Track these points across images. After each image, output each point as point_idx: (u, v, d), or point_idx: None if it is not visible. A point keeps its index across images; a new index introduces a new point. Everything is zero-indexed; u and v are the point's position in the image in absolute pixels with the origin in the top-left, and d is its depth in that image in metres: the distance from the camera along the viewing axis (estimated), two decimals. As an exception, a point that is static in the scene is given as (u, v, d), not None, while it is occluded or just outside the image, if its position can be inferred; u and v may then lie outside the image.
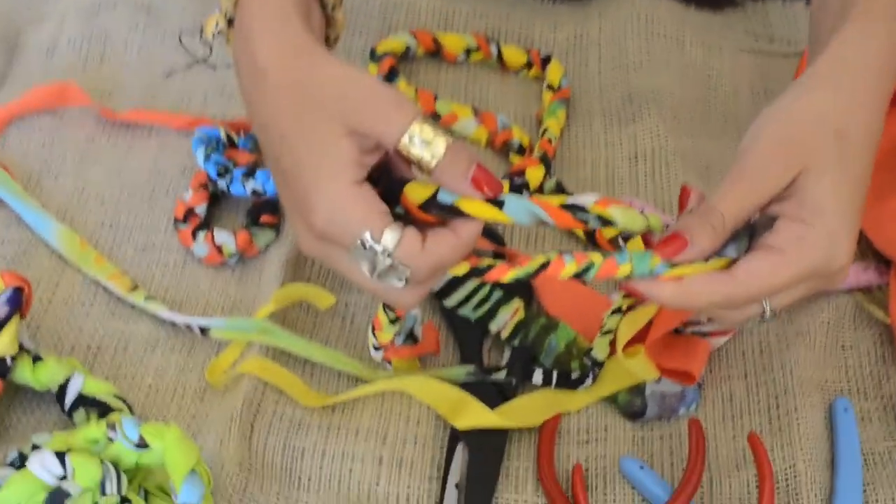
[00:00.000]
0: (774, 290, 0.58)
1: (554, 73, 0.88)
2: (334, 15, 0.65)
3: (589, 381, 0.69)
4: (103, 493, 0.57)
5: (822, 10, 0.66)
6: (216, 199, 0.79)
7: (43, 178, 0.81)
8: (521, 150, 0.83)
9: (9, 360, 0.65)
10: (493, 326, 0.71)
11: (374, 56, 0.88)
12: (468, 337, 0.72)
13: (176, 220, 0.77)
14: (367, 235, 0.52)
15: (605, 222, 0.56)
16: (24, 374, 0.66)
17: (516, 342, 0.71)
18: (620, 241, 0.75)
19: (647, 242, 0.59)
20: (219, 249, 0.75)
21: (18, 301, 0.66)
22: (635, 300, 0.68)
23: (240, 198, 0.79)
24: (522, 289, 0.74)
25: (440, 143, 0.53)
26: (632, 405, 0.69)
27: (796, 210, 0.57)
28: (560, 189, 0.80)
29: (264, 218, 0.77)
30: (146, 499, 0.60)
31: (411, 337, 0.68)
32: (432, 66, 0.90)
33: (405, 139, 0.52)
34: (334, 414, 0.67)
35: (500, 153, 0.84)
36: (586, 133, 0.86)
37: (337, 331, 0.73)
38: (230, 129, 0.80)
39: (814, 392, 0.69)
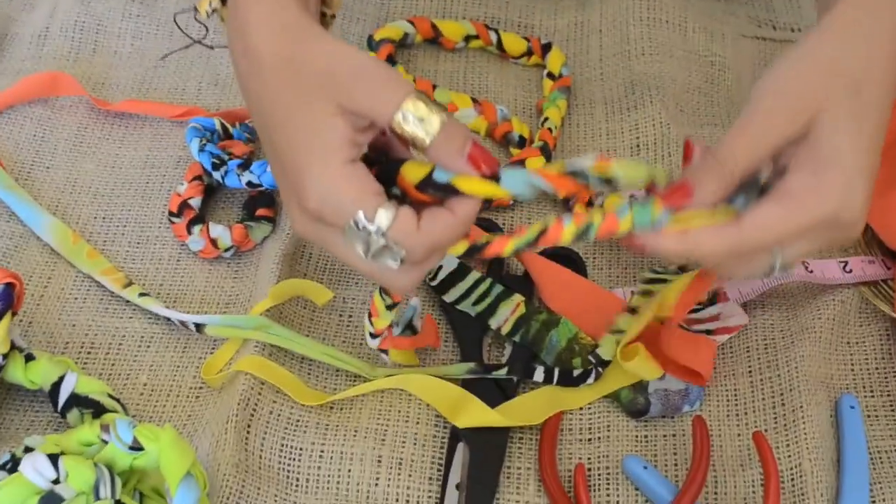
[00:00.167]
0: (784, 238, 0.55)
1: (554, 60, 0.87)
2: None
3: (591, 378, 0.68)
4: (97, 496, 0.56)
5: None
6: (211, 192, 0.78)
7: (34, 170, 0.79)
8: (521, 144, 0.81)
9: (0, 359, 0.63)
10: (494, 322, 0.70)
11: (371, 43, 0.87)
12: (468, 333, 0.71)
13: (170, 214, 0.75)
14: (361, 215, 0.51)
15: (608, 182, 0.53)
16: (16, 373, 0.65)
17: (517, 338, 0.70)
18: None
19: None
20: (214, 243, 0.74)
21: (10, 297, 0.65)
22: (649, 300, 0.67)
23: (235, 190, 0.78)
24: (523, 284, 0.73)
25: (435, 120, 0.51)
26: (635, 403, 0.67)
27: (809, 156, 0.54)
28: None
29: (260, 211, 0.75)
30: (141, 502, 0.59)
31: (410, 328, 0.67)
32: (430, 54, 0.89)
33: (398, 117, 0.51)
34: (332, 413, 0.66)
35: (499, 144, 0.83)
36: (587, 122, 0.85)
37: (335, 326, 0.72)
38: (225, 119, 0.79)
39: (819, 389, 0.68)
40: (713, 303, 0.71)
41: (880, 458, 0.67)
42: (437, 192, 0.53)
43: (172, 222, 0.75)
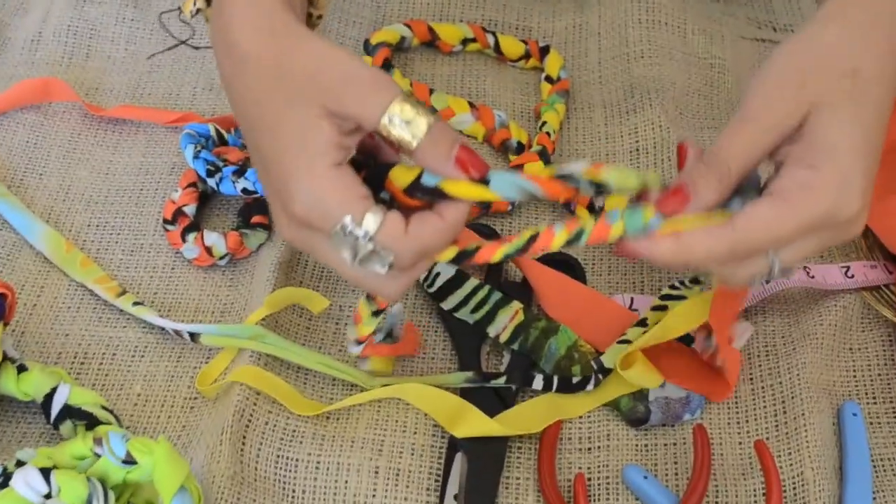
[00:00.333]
0: (780, 239, 0.53)
1: (552, 63, 0.86)
2: None
3: (591, 385, 0.67)
4: (90, 511, 0.56)
5: None
6: (206, 198, 0.77)
7: (27, 177, 0.79)
8: (519, 150, 0.80)
9: (-8, 371, 0.63)
10: (492, 330, 0.69)
11: (367, 47, 0.86)
12: (466, 341, 0.70)
13: (165, 221, 0.74)
14: (348, 220, 0.50)
15: (598, 186, 0.53)
16: (9, 384, 0.64)
17: (516, 346, 0.69)
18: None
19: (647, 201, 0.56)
20: (209, 251, 0.73)
21: (1, 308, 0.64)
22: (663, 315, 0.66)
23: (230, 197, 0.77)
24: (521, 291, 0.72)
25: (421, 123, 0.51)
26: (635, 411, 0.67)
27: (804, 153, 0.53)
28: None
29: (256, 218, 0.75)
30: (135, 516, 0.58)
31: (391, 336, 0.66)
32: (427, 57, 0.88)
33: (385, 119, 0.50)
34: (329, 423, 0.66)
35: (497, 150, 0.82)
36: (586, 126, 0.84)
37: (331, 335, 0.71)
38: (220, 124, 0.78)
39: (821, 396, 0.67)
40: None
41: (883, 465, 0.67)
42: (426, 196, 0.52)
43: (167, 230, 0.74)
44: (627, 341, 0.67)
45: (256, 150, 0.55)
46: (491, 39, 0.87)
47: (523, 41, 0.88)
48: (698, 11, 0.91)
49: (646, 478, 0.64)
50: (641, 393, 0.67)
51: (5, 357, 0.64)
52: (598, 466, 0.65)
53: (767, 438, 0.66)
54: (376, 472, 0.63)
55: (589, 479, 0.65)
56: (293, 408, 0.65)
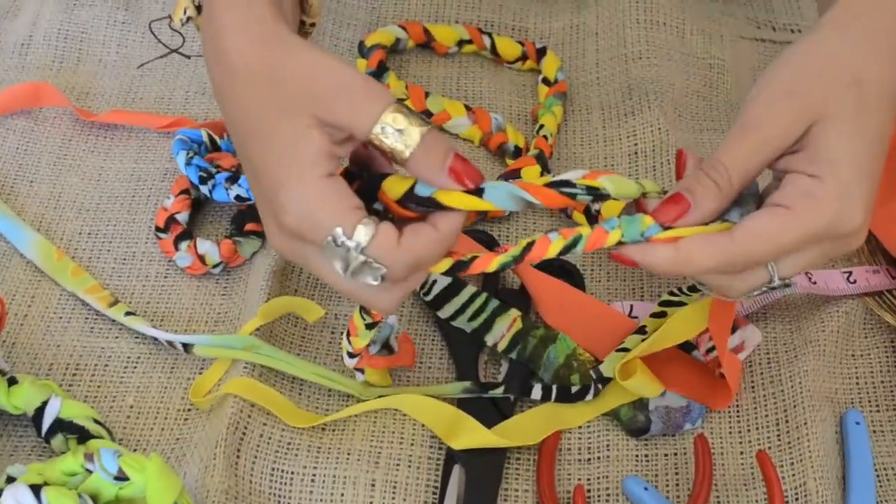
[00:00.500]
0: (780, 251, 0.52)
1: (550, 65, 0.85)
2: (309, 0, 0.62)
3: (590, 395, 0.66)
4: (81, 528, 0.55)
5: None
6: (199, 205, 0.76)
7: (17, 184, 0.77)
8: (516, 154, 0.79)
9: (-18, 384, 0.62)
10: (490, 339, 0.69)
11: (362, 49, 0.85)
12: (464, 350, 0.69)
13: (157, 229, 0.73)
14: (339, 231, 0.49)
15: (595, 194, 0.52)
16: (-1, 397, 0.63)
17: (514, 355, 0.68)
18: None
19: (645, 211, 0.54)
20: (202, 259, 0.72)
21: (-9, 320, 0.63)
22: (662, 322, 0.65)
23: (224, 204, 0.76)
24: (519, 298, 0.71)
25: (414, 133, 0.49)
26: (635, 421, 0.66)
27: (806, 164, 0.52)
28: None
29: (249, 226, 0.73)
30: (127, 533, 0.57)
31: (387, 347, 0.65)
32: (423, 59, 0.87)
33: (377, 129, 0.49)
34: (324, 435, 0.65)
35: (494, 154, 0.81)
36: (584, 128, 0.83)
37: (326, 344, 0.70)
38: (212, 129, 0.77)
39: (824, 405, 0.66)
40: (734, 329, 0.69)
41: (886, 475, 0.66)
42: (420, 207, 0.51)
43: (159, 238, 0.73)
44: (626, 349, 0.66)
45: (247, 160, 0.54)
46: (487, 41, 0.86)
47: (520, 42, 0.87)
48: (697, 11, 0.90)
49: (646, 489, 0.63)
50: (641, 402, 0.66)
51: (-5, 370, 0.63)
52: (598, 477, 0.64)
53: (769, 448, 0.65)
54: (373, 485, 0.62)
55: (589, 491, 0.64)
56: (288, 420, 0.64)
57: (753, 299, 0.70)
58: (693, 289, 0.67)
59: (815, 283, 0.70)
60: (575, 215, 0.76)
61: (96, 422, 0.63)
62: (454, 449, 0.64)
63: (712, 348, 0.66)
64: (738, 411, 0.67)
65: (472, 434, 0.64)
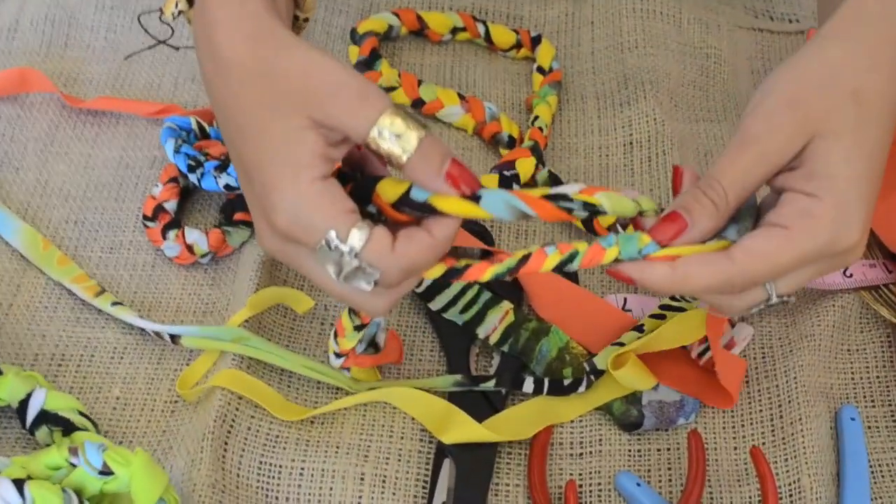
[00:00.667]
0: (778, 272, 0.52)
1: (544, 54, 0.84)
2: None
3: (583, 387, 0.65)
4: (65, 523, 0.54)
5: None
6: (187, 194, 0.75)
7: (3, 172, 0.76)
8: (510, 144, 0.78)
9: (-35, 375, 0.61)
10: (481, 331, 0.68)
11: (354, 36, 0.84)
12: (455, 343, 0.68)
13: (145, 218, 0.72)
14: (333, 235, 0.48)
15: (592, 209, 0.51)
16: (-17, 389, 0.62)
17: (506, 348, 0.67)
18: (619, 229, 0.71)
19: (642, 228, 0.54)
20: (190, 249, 0.71)
21: (-25, 310, 0.62)
22: (660, 323, 0.64)
23: (213, 192, 0.75)
24: (512, 290, 0.70)
25: (412, 137, 0.49)
26: (628, 415, 0.65)
27: (804, 182, 0.51)
28: (554, 179, 0.76)
29: (238, 215, 0.72)
30: (112, 527, 0.57)
31: (373, 345, 0.64)
32: (416, 47, 0.86)
33: (374, 132, 0.49)
34: (313, 428, 0.64)
35: (488, 144, 0.80)
36: (579, 118, 0.82)
37: (316, 336, 0.69)
38: (202, 117, 0.76)
39: (819, 400, 0.66)
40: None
41: (881, 471, 0.65)
42: (415, 211, 0.51)
43: (147, 227, 0.72)
44: (622, 344, 0.65)
45: (238, 157, 0.53)
46: (481, 28, 0.85)
47: (514, 30, 0.86)
48: (694, 0, 0.89)
49: (639, 485, 0.62)
50: (634, 396, 0.65)
51: (-21, 360, 0.62)
52: (590, 473, 0.64)
53: (763, 444, 0.65)
54: (362, 479, 0.62)
55: (580, 486, 0.63)
56: (276, 412, 0.63)
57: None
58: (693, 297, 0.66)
59: (811, 276, 0.70)
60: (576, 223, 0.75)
61: (81, 414, 0.62)
62: (444, 443, 0.63)
63: (703, 352, 0.65)
64: (732, 406, 0.66)
65: (462, 428, 0.63)
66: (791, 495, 0.62)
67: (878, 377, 0.69)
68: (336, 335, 0.61)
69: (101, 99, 0.79)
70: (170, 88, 0.81)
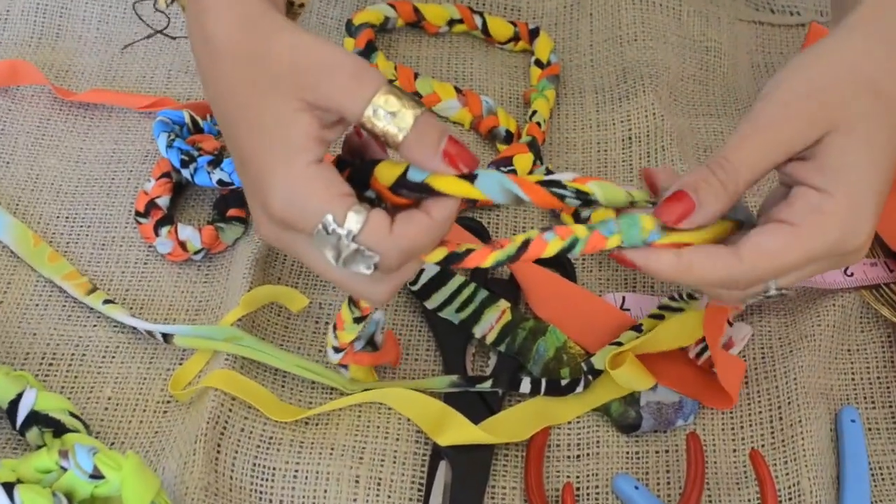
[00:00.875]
0: (784, 270, 0.51)
1: (542, 46, 0.83)
2: None
3: (580, 387, 0.65)
4: (55, 527, 0.53)
5: None
6: (180, 189, 0.74)
7: (-7, 166, 0.75)
8: (507, 139, 0.77)
9: (-46, 375, 0.60)
10: (478, 331, 0.67)
11: (350, 28, 0.82)
12: (451, 342, 0.67)
13: (137, 213, 0.71)
14: (330, 218, 0.48)
15: (585, 197, 0.51)
16: (-28, 389, 0.61)
17: (502, 348, 0.67)
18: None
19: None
20: (183, 246, 0.70)
21: (-36, 309, 0.61)
22: (658, 324, 0.63)
23: (206, 188, 0.74)
24: (509, 289, 0.69)
25: (407, 115, 0.48)
26: (626, 417, 0.64)
27: (816, 176, 0.51)
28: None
29: (232, 211, 0.71)
30: (103, 531, 0.56)
31: (371, 344, 0.64)
32: (412, 39, 0.85)
33: (369, 111, 0.48)
34: (307, 429, 0.63)
35: (485, 138, 0.79)
36: (577, 112, 0.81)
37: (310, 335, 0.68)
38: (195, 110, 0.75)
39: (819, 401, 0.65)
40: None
41: (881, 473, 0.65)
42: (413, 193, 0.50)
43: (139, 223, 0.71)
44: (620, 344, 0.65)
45: (233, 145, 0.52)
46: (478, 20, 0.84)
47: (512, 23, 0.85)
48: (694, -8, 0.88)
49: (637, 488, 0.62)
50: (633, 397, 0.65)
51: (-32, 360, 0.61)
52: (588, 475, 0.63)
53: (763, 446, 0.64)
54: (357, 481, 0.61)
55: (577, 489, 0.63)
56: (270, 413, 0.63)
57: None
58: (692, 296, 0.65)
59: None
60: (563, 216, 0.74)
61: (72, 415, 0.62)
62: (440, 445, 0.62)
63: (701, 352, 0.65)
64: (731, 408, 0.66)
65: (458, 430, 0.62)
66: (791, 498, 0.62)
67: (878, 378, 0.68)
68: (335, 328, 0.60)
69: (93, 91, 0.78)
70: (163, 80, 0.80)
